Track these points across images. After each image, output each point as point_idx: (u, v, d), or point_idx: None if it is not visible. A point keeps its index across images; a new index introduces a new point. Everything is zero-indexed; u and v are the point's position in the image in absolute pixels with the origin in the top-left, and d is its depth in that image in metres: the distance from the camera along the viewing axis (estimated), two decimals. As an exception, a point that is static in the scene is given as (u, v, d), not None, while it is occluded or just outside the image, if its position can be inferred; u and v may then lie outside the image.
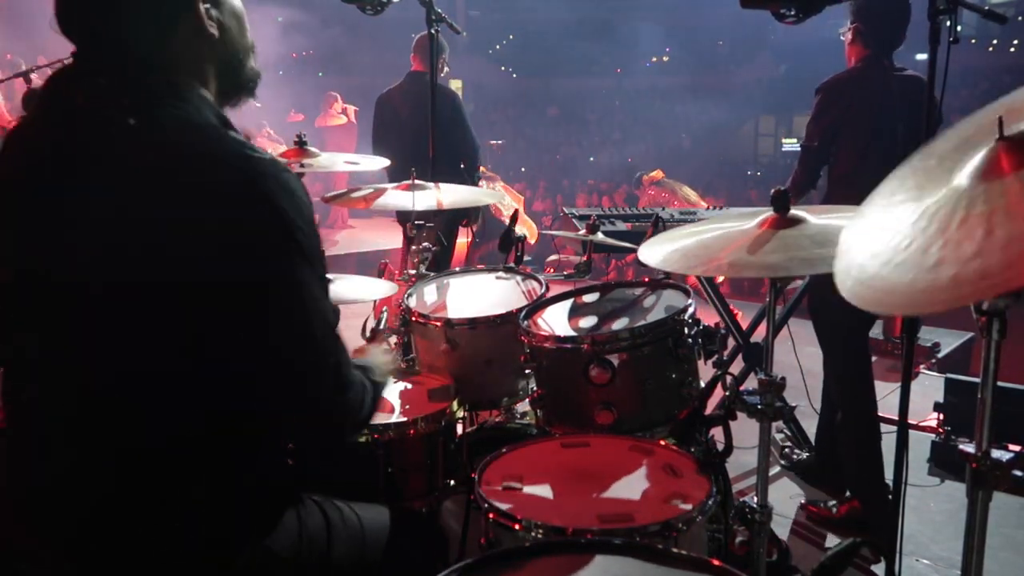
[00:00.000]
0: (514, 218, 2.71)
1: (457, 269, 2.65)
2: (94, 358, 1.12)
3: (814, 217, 1.58)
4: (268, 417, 1.22)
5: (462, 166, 4.50)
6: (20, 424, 1.19)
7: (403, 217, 4.38)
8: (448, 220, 4.33)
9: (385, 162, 2.86)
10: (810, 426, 3.38)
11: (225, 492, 1.19)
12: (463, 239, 5.56)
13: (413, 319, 2.22)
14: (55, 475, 1.15)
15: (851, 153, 2.85)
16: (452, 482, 1.92)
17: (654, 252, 1.64)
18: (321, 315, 1.18)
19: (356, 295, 2.40)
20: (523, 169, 17.89)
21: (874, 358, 3.47)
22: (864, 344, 3.00)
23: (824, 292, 3.03)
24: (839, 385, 2.99)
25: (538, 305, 2.21)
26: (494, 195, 5.31)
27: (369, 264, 8.00)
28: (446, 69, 4.67)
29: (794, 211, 1.59)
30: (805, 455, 3.36)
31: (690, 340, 1.93)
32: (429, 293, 2.44)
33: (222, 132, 1.15)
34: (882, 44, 2.86)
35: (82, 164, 1.11)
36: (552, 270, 3.01)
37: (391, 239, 8.48)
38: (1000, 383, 1.18)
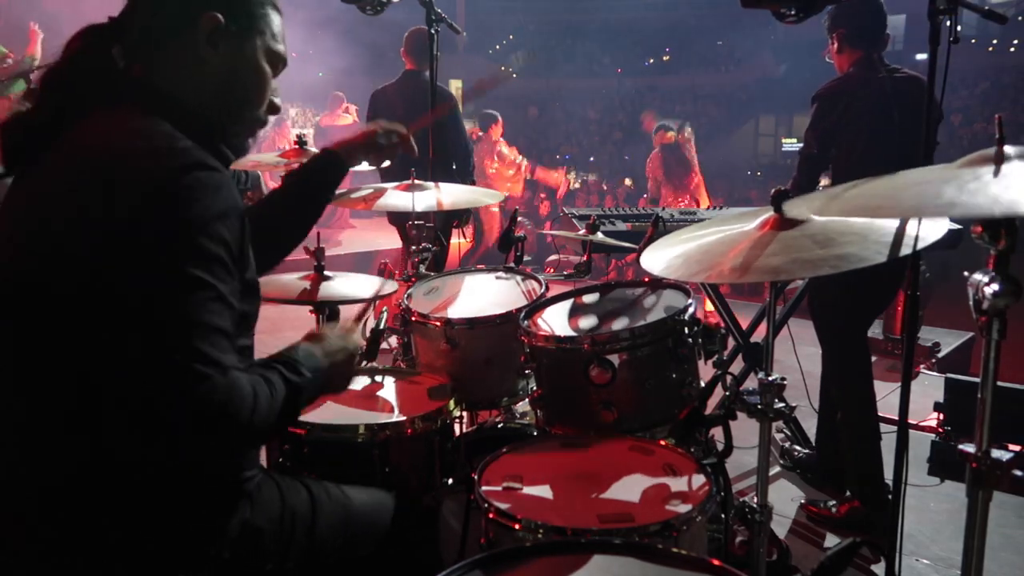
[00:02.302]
0: (514, 218, 2.70)
1: (457, 269, 2.65)
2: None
3: (815, 216, 1.57)
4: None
5: (453, 167, 4.50)
6: None
7: (395, 218, 4.37)
8: (441, 221, 4.33)
9: (385, 162, 2.85)
10: (810, 426, 3.38)
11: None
12: (455, 240, 5.53)
13: (413, 319, 2.22)
14: None
15: (850, 155, 2.85)
16: (450, 480, 1.92)
17: (656, 259, 1.64)
18: (186, 315, 1.04)
19: (356, 293, 2.38)
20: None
21: (874, 358, 3.47)
22: (863, 342, 3.00)
23: (823, 291, 3.03)
24: (839, 384, 2.99)
25: (538, 305, 2.20)
26: (495, 195, 5.28)
27: (368, 264, 7.99)
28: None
29: (794, 210, 1.58)
30: (805, 455, 3.36)
31: (690, 340, 1.93)
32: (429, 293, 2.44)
33: (159, 139, 1.12)
34: (870, 41, 2.85)
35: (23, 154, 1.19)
36: (552, 270, 3.01)
37: (391, 239, 8.45)
38: (1000, 383, 1.18)
